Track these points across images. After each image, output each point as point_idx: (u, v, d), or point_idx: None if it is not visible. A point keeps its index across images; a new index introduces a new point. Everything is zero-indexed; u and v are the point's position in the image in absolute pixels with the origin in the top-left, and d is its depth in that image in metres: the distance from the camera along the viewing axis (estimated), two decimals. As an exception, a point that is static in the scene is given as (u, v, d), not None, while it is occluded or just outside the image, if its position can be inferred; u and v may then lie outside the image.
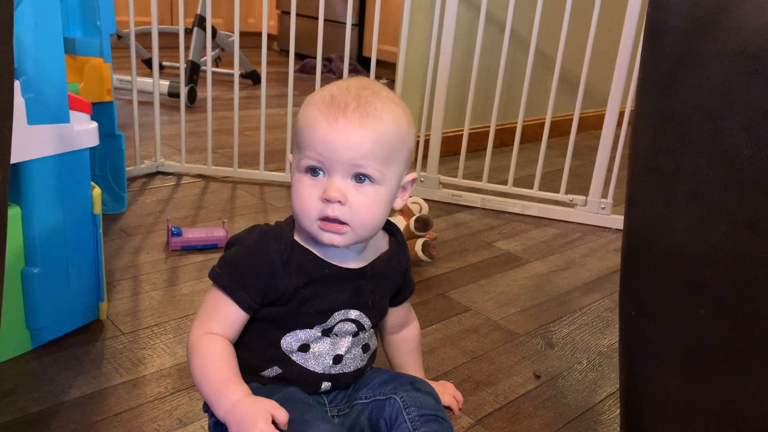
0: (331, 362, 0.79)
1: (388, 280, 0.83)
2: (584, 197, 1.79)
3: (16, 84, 0.90)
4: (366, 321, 0.80)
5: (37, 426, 0.87)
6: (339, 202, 0.69)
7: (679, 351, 0.60)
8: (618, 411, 1.02)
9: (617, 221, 1.77)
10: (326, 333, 0.78)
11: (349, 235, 0.72)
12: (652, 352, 0.62)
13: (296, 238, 0.77)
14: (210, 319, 0.75)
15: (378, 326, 0.89)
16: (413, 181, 0.77)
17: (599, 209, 1.78)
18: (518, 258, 1.53)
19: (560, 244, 1.64)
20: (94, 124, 1.02)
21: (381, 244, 0.82)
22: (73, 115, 0.98)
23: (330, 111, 0.69)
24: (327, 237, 0.72)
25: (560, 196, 1.80)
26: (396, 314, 0.90)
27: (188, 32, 2.62)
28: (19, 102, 0.89)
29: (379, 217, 0.73)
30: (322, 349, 0.78)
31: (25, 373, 0.97)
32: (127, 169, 1.64)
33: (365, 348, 0.82)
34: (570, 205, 1.81)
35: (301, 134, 0.72)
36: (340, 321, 0.78)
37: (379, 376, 0.83)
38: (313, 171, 0.71)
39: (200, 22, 2.64)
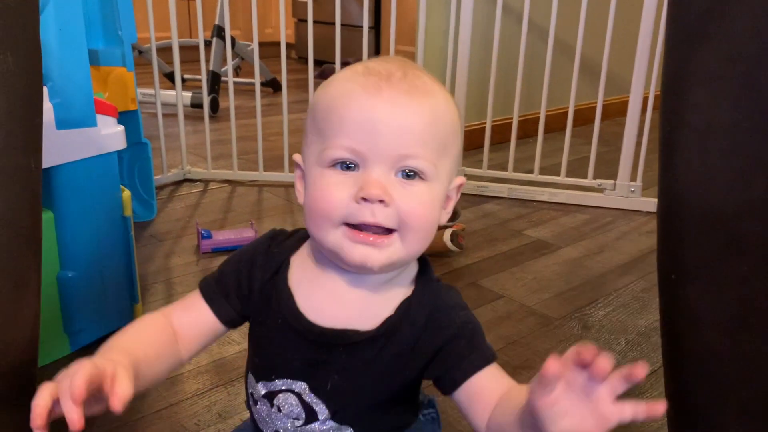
0: None
1: (384, 356, 0.54)
2: (613, 181, 1.77)
3: (44, 89, 0.91)
4: (322, 410, 0.56)
5: (80, 425, 0.88)
6: (381, 201, 0.49)
7: (725, 312, 0.58)
8: (661, 389, 1.00)
9: (648, 204, 1.74)
10: (268, 397, 0.57)
11: (394, 249, 0.51)
12: (695, 315, 0.60)
13: (295, 257, 0.58)
14: (174, 306, 0.59)
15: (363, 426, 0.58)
16: (459, 186, 0.57)
17: (629, 192, 1.75)
18: (549, 245, 1.52)
19: (591, 229, 1.62)
20: (121, 128, 1.03)
21: (402, 288, 0.56)
22: (100, 119, 0.99)
23: (369, 80, 0.51)
24: (358, 253, 0.50)
25: (588, 181, 1.78)
26: (478, 399, 0.53)
27: (207, 44, 2.65)
28: (47, 107, 0.91)
29: (434, 226, 0.53)
30: (263, 413, 0.59)
31: (65, 375, 0.98)
32: (154, 177, 1.65)
33: None
34: (599, 190, 1.78)
35: (325, 116, 0.52)
36: (282, 391, 0.57)
37: None
38: (343, 165, 0.51)
39: (219, 32, 2.67)
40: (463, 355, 0.53)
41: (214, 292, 0.58)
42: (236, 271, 0.58)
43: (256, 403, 0.59)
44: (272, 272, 0.57)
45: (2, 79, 0.44)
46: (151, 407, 0.92)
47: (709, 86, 0.56)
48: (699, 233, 0.58)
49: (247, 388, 0.61)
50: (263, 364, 0.58)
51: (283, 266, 0.57)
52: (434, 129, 0.51)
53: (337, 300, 0.55)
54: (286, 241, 0.59)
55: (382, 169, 0.50)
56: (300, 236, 0.60)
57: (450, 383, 0.54)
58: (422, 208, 0.51)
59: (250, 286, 0.57)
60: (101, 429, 0.87)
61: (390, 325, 0.54)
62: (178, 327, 0.57)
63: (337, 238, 0.51)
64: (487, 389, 0.53)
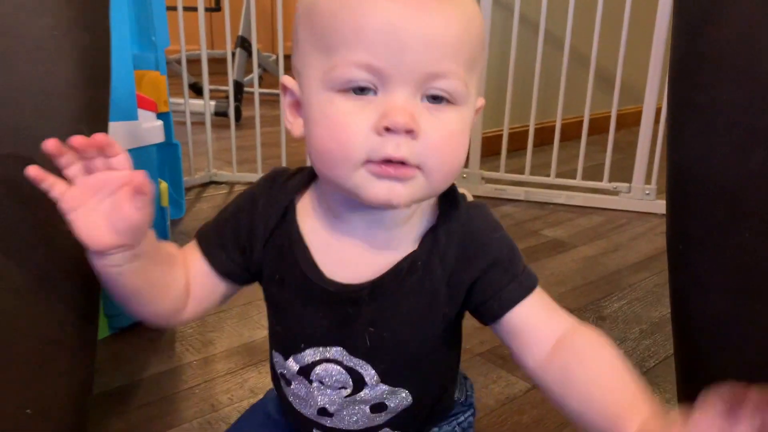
0: (315, 413, 0.54)
1: (417, 295, 0.49)
2: (628, 184, 1.81)
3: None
4: (369, 372, 0.51)
5: (122, 398, 0.93)
6: (409, 131, 0.42)
7: (727, 276, 0.62)
8: (673, 376, 1.04)
9: (663, 206, 1.76)
10: (303, 373, 0.52)
11: (418, 184, 0.44)
12: (700, 282, 0.65)
13: (301, 201, 0.52)
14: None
15: (417, 384, 0.53)
16: (479, 109, 0.50)
17: (644, 195, 1.79)
18: (565, 243, 1.56)
19: (607, 230, 1.66)
20: (160, 122, 1.09)
21: (424, 216, 0.51)
22: (141, 113, 1.06)
23: None
24: (382, 189, 0.43)
25: (604, 184, 1.82)
26: (518, 333, 0.50)
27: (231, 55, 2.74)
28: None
29: (463, 159, 0.46)
30: (302, 391, 0.54)
31: (105, 355, 1.04)
32: (183, 179, 1.72)
33: (377, 407, 0.52)
34: (614, 192, 1.82)
35: (332, 24, 0.43)
36: (319, 362, 0.51)
37: None
38: (358, 88, 0.43)
39: (242, 43, 2.76)
40: (501, 285, 0.49)
41: (211, 241, 0.52)
42: (234, 218, 0.52)
43: (289, 383, 0.54)
44: (277, 218, 0.51)
45: (81, 54, 0.50)
46: (186, 384, 0.97)
47: (713, 66, 0.61)
48: (703, 204, 0.63)
49: (274, 368, 0.56)
50: (288, 332, 0.52)
51: (290, 211, 0.51)
52: (465, 39, 0.44)
53: (357, 250, 0.49)
54: (288, 182, 0.53)
55: (408, 91, 0.43)
56: (306, 175, 0.53)
57: (489, 316, 0.50)
58: (453, 141, 0.45)
59: (252, 235, 0.51)
60: (138, 403, 0.93)
61: (413, 261, 0.48)
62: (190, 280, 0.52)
63: (359, 180, 0.44)
64: (531, 324, 0.49)
